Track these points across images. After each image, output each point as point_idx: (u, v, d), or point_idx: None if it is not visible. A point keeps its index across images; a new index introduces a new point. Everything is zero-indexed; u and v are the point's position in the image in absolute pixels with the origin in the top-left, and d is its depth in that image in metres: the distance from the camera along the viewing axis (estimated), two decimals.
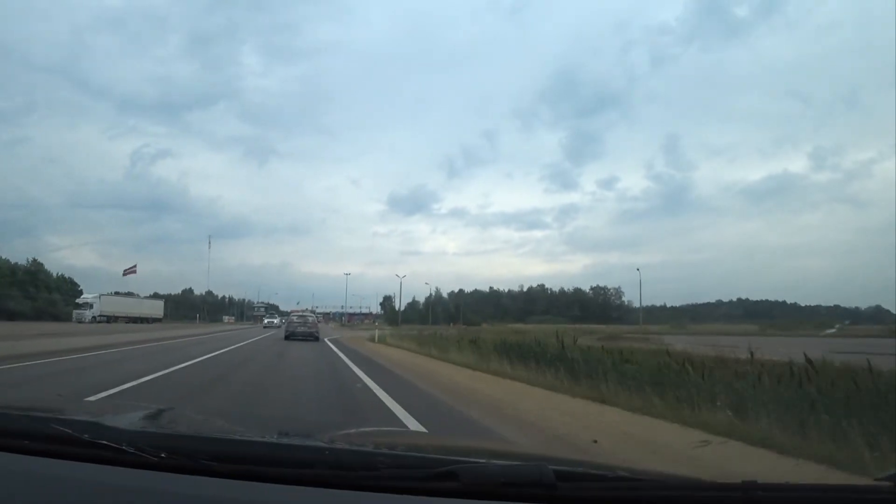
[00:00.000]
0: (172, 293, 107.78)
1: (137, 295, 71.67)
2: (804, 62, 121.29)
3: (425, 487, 1.10)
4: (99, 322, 54.56)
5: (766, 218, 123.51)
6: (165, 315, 72.87)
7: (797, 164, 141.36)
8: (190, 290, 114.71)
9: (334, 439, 1.53)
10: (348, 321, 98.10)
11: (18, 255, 69.44)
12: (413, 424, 5.98)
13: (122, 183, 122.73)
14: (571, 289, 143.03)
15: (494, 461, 1.25)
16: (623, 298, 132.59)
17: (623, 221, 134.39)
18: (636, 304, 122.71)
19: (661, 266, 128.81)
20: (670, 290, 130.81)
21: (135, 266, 74.81)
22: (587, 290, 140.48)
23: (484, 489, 1.08)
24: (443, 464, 1.14)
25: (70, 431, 1.25)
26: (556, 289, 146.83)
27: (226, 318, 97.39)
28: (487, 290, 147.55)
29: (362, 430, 2.43)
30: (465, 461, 1.18)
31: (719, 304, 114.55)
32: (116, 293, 63.64)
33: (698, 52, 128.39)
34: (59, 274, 76.45)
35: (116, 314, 58.15)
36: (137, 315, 60.64)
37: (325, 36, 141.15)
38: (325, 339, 27.93)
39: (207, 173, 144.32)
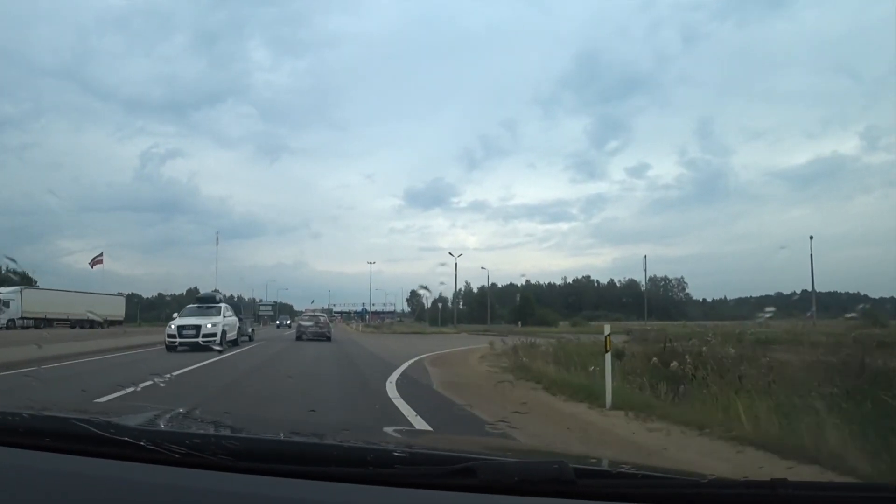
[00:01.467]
0: (176, 293, 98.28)
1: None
2: (854, 34, 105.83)
3: (441, 484, 1.09)
4: (24, 327, 37.53)
5: (813, 204, 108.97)
6: (134, 316, 57.41)
7: (847, 145, 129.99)
8: (195, 290, 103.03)
9: (349, 437, 1.54)
10: (371, 320, 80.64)
11: (29, 260, 58.80)
12: None
13: (132, 185, 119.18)
14: (624, 280, 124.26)
15: (511, 458, 1.24)
16: (686, 290, 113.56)
17: (654, 211, 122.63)
18: (695, 297, 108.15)
19: (696, 258, 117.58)
20: (711, 282, 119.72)
21: (101, 255, 56.98)
22: (640, 282, 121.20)
23: (502, 485, 1.07)
24: (459, 461, 1.13)
25: (92, 429, 1.27)
26: (603, 280, 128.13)
27: None
28: (523, 283, 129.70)
29: (376, 428, 2.66)
30: (482, 458, 1.17)
31: (779, 296, 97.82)
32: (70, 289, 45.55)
33: (735, 28, 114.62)
34: (8, 269, 59.28)
35: (50, 315, 40.40)
36: (82, 317, 42.61)
37: (334, 27, 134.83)
38: (391, 390, 8.86)
39: (218, 172, 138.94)
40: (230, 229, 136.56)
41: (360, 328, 49.39)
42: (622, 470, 1.18)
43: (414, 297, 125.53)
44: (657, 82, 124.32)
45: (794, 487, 1.04)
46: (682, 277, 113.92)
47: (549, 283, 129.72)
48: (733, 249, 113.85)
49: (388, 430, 2.76)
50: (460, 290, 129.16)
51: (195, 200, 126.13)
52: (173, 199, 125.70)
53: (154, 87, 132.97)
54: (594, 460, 1.36)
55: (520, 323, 50.97)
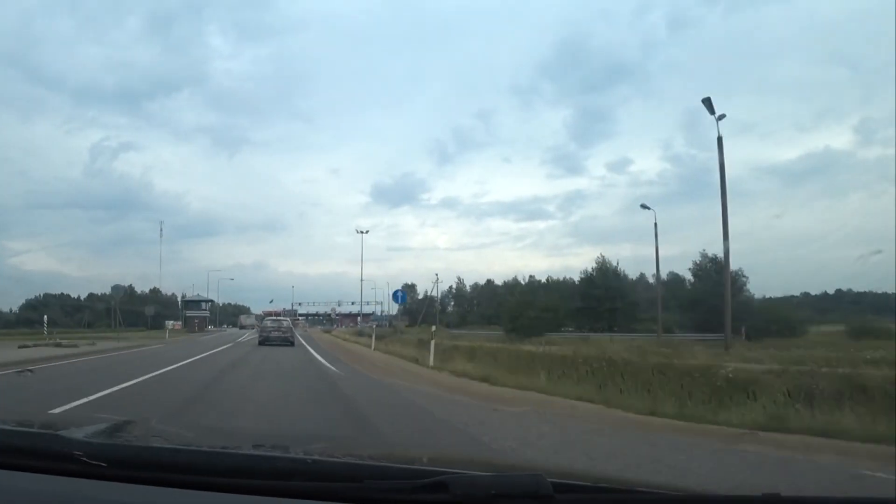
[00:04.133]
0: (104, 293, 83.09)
1: None
2: (852, 20, 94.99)
3: (412, 499, 1.05)
4: None
5: (803, 202, 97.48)
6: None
7: (841, 139, 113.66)
8: (130, 288, 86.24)
9: (314, 451, 1.46)
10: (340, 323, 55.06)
11: None
12: None
13: (82, 180, 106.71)
14: (664, 275, 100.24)
15: (486, 472, 1.18)
16: (746, 286, 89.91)
17: (636, 209, 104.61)
18: (756, 294, 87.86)
19: (680, 258, 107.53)
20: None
21: None
22: (682, 275, 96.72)
23: (476, 500, 1.03)
24: (430, 475, 1.08)
25: (27, 442, 1.21)
26: (632, 275, 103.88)
27: (170, 324, 61.97)
28: (526, 279, 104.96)
29: (344, 441, 2.41)
30: (454, 472, 1.11)
31: (806, 296, 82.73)
32: None
33: (725, 13, 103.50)
34: None
35: None
36: None
37: (299, 10, 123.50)
38: None
39: (173, 167, 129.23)
40: (186, 227, 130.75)
41: (342, 344, 20.13)
42: (602, 485, 1.13)
43: (407, 294, 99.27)
44: (641, 71, 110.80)
45: (788, 503, 1.02)
46: (740, 270, 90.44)
47: (565, 279, 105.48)
48: (720, 249, 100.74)
49: (358, 441, 2.69)
50: (451, 287, 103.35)
51: (149, 197, 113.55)
52: (126, 195, 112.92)
53: (106, 76, 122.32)
54: (573, 475, 1.27)
55: (744, 331, 26.06)
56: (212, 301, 66.65)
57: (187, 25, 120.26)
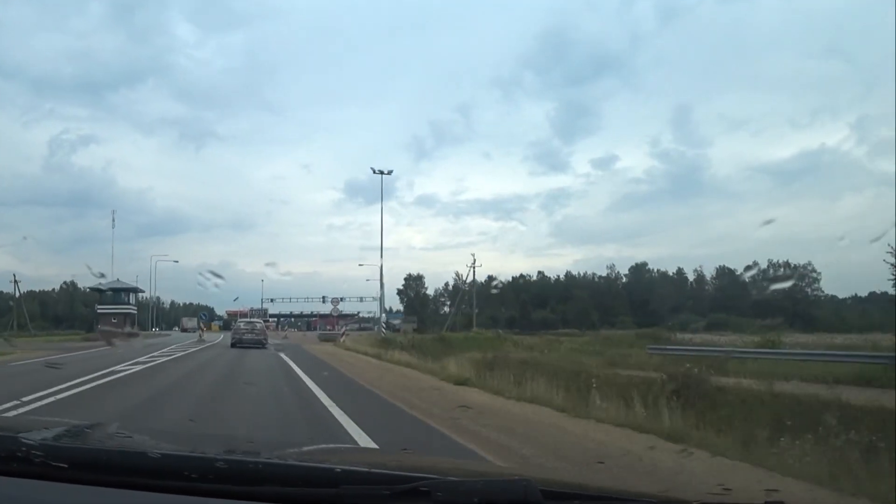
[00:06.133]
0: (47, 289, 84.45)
1: None
2: (849, 13, 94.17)
3: None
4: None
5: (797, 203, 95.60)
6: None
7: (836, 136, 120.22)
8: (72, 285, 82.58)
9: (289, 455, 1.41)
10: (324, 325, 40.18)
11: None
12: None
13: (40, 176, 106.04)
14: (711, 272, 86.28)
15: (470, 479, 1.15)
16: (817, 284, 74.26)
17: (622, 208, 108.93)
18: (828, 294, 73.15)
19: (667, 260, 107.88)
20: None
21: None
22: (737, 271, 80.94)
23: None
24: (411, 480, 1.05)
25: None
26: (668, 270, 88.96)
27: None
28: (535, 276, 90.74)
29: (320, 446, 2.34)
30: (436, 478, 1.08)
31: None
32: None
33: (717, 3, 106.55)
34: None
35: None
36: None
37: None
38: None
39: (137, 162, 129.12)
40: (150, 225, 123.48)
41: None
42: (594, 493, 1.11)
43: (409, 288, 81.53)
44: (629, 64, 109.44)
45: None
46: (808, 264, 74.61)
47: (595, 275, 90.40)
48: (708, 252, 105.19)
49: (335, 446, 2.58)
50: (446, 283, 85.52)
51: (112, 193, 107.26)
52: (87, 191, 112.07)
53: (65, 65, 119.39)
54: (561, 484, 1.21)
55: None
56: (140, 290, 46.95)
57: (152, 12, 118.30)
